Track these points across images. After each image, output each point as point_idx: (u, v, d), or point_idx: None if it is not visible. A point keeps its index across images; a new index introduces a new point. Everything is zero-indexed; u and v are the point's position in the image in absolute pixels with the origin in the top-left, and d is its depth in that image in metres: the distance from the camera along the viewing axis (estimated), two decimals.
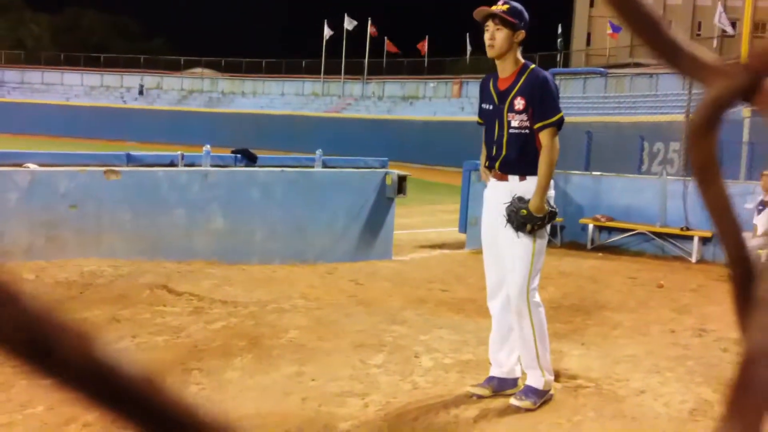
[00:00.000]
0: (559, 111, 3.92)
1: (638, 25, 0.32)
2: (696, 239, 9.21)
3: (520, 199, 3.88)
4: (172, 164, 7.51)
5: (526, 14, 3.94)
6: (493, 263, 4.06)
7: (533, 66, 3.99)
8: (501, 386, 4.08)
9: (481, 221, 4.17)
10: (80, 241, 6.82)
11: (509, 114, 3.92)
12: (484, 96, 4.11)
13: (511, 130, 3.92)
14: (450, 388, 4.15)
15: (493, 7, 3.91)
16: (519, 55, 3.99)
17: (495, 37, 3.87)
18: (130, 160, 7.29)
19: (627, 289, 7.35)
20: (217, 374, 4.24)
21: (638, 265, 8.83)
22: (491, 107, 4.03)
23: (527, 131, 3.90)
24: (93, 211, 6.90)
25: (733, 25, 42.84)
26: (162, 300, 5.79)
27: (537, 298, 3.95)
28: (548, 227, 4.00)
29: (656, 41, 0.33)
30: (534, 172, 3.89)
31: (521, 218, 3.85)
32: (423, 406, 3.86)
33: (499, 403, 3.95)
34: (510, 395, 3.98)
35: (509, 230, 3.90)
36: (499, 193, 3.97)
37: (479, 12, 3.89)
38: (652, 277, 8.01)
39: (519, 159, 3.93)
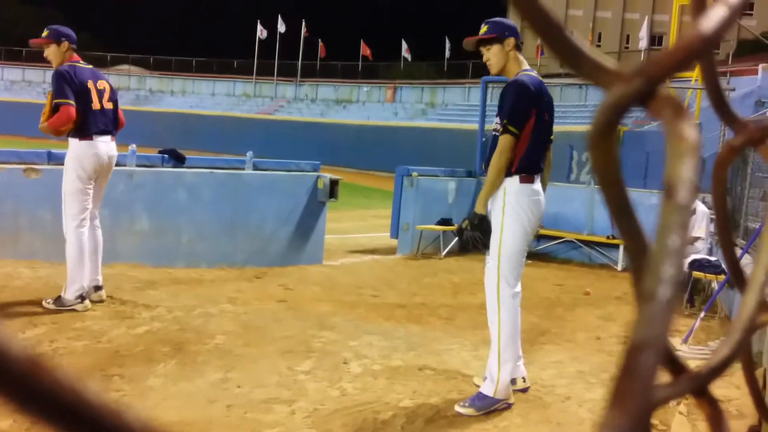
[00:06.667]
0: (506, 116, 3.97)
1: (542, 29, 0.33)
2: (622, 248, 9.43)
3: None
4: None
5: (507, 22, 4.13)
6: None
7: (519, 76, 4.08)
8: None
9: None
10: None
11: (495, 118, 4.14)
12: None
13: (493, 133, 4.13)
14: (378, 394, 4.14)
15: (477, 37, 4.08)
16: (518, 62, 4.11)
17: (489, 58, 4.10)
18: (51, 158, 7.02)
19: (554, 296, 7.49)
20: (140, 381, 4.13)
21: (565, 273, 9.02)
22: None
23: (497, 135, 4.07)
24: (11, 210, 6.65)
25: (660, 39, 44.43)
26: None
27: (508, 291, 4.14)
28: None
29: (559, 45, 0.33)
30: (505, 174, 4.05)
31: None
32: (351, 413, 3.83)
33: (425, 409, 3.96)
34: (519, 390, 4.16)
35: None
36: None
37: (467, 44, 4.13)
38: (578, 284, 8.19)
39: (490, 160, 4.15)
